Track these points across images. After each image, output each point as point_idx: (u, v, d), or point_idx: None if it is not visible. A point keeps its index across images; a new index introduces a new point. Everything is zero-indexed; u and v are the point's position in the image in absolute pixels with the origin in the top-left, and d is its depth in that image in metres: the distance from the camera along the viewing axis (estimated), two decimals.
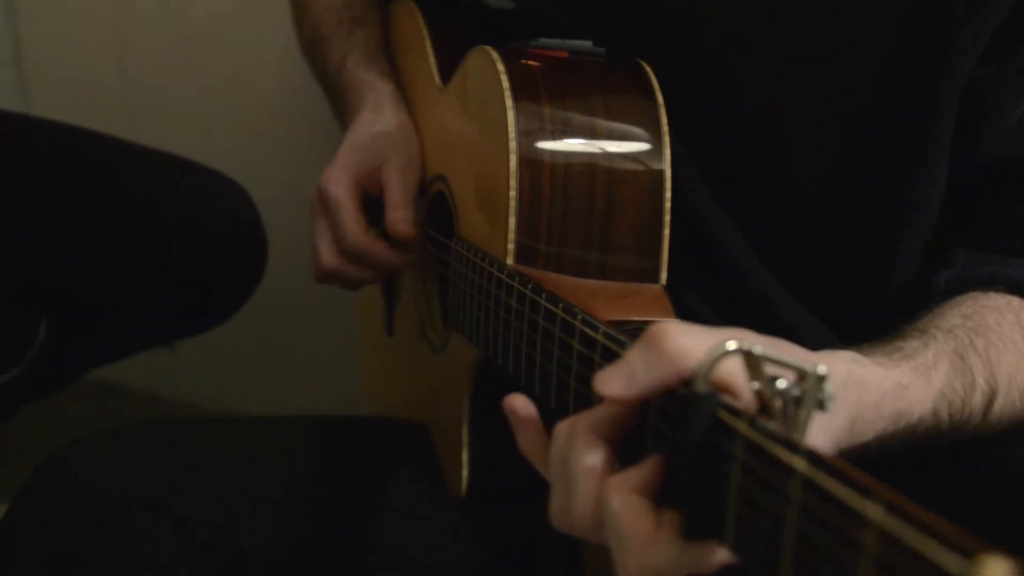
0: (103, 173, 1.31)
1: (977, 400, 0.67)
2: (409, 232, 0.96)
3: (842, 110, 0.81)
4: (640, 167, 0.82)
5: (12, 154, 1.27)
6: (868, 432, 0.59)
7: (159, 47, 1.72)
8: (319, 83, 1.18)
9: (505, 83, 0.81)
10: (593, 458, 0.54)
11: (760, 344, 0.49)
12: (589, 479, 0.54)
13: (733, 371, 0.50)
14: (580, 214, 0.81)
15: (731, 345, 0.49)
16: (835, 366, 0.56)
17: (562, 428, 0.58)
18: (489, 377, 0.89)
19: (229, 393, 1.78)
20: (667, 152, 0.82)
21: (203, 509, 0.81)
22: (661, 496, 0.52)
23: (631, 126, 0.82)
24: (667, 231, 0.82)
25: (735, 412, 0.47)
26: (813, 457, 0.42)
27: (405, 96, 1.05)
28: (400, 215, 0.96)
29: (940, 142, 0.79)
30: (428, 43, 1.03)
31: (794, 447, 0.43)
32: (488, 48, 0.85)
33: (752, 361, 0.49)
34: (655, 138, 0.82)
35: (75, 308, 1.28)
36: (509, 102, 0.80)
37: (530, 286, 0.72)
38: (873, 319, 0.75)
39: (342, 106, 1.08)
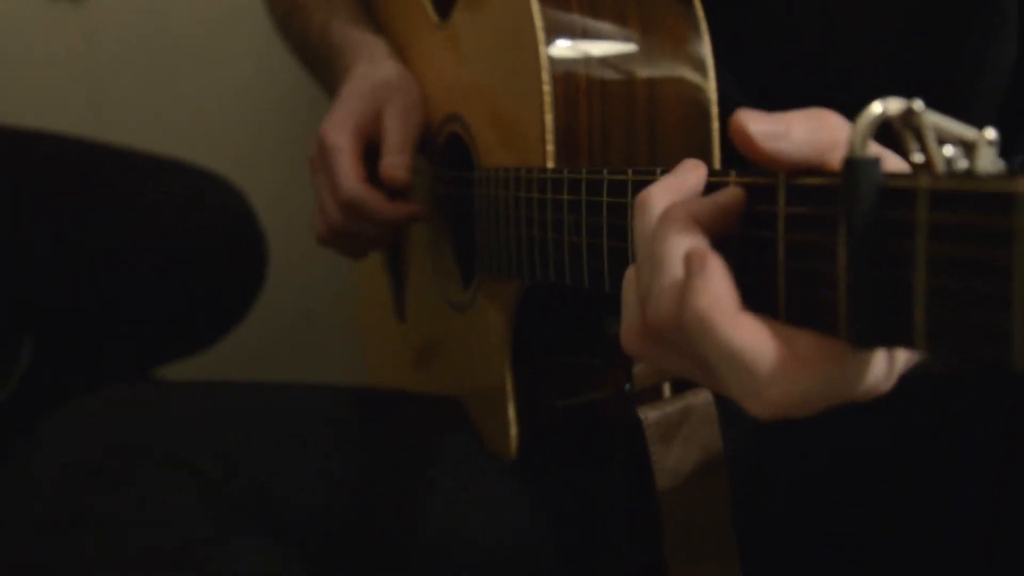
0: (80, 175, 1.21)
1: None
2: (401, 177, 0.86)
3: None
4: (680, 67, 0.74)
5: None
6: None
7: (128, 51, 1.64)
8: (298, 55, 1.11)
9: None
10: (693, 238, 0.45)
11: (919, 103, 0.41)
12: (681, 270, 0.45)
13: (882, 152, 0.42)
14: (621, 113, 0.73)
15: (881, 107, 0.40)
16: None
17: (653, 205, 0.48)
18: (529, 319, 0.80)
19: None
20: (707, 47, 0.74)
21: (226, 463, 0.71)
22: (792, 314, 0.43)
23: (667, 21, 0.75)
24: (716, 124, 0.74)
25: (907, 176, 0.39)
26: None
27: (399, 50, 0.98)
28: (394, 160, 0.86)
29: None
30: None
31: (1008, 173, 0.34)
32: None
33: (914, 124, 0.41)
34: (693, 33, 0.75)
35: (61, 325, 1.16)
36: None
37: (584, 170, 0.64)
38: None
39: (330, 70, 1.00)
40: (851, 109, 0.76)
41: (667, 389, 0.75)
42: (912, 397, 0.54)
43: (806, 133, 0.44)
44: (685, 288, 0.43)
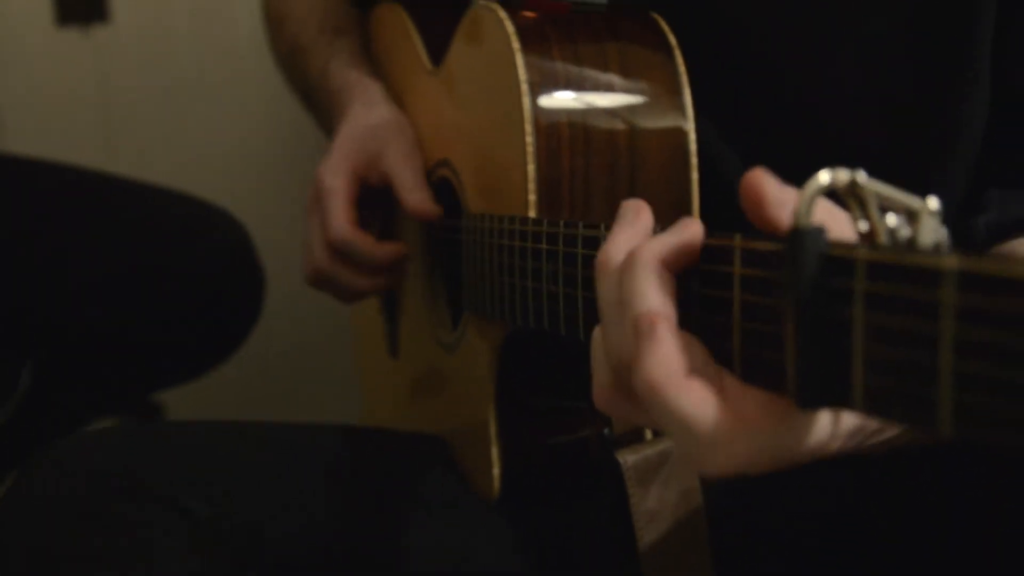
0: (82, 204, 1.24)
1: None
2: (431, 210, 0.89)
3: (878, 33, 0.75)
4: (661, 117, 0.76)
5: None
6: None
7: (136, 79, 1.68)
8: (299, 95, 1.13)
9: (510, 29, 0.75)
10: (659, 298, 0.47)
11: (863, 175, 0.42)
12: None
13: (832, 214, 0.44)
14: (603, 163, 0.75)
15: (827, 177, 0.42)
16: None
17: (613, 262, 0.50)
18: (514, 361, 0.82)
19: None
20: (687, 97, 0.76)
21: (215, 502, 0.72)
22: (746, 371, 0.45)
23: (648, 72, 0.77)
24: (695, 175, 0.76)
25: (847, 245, 0.41)
26: (963, 253, 0.35)
27: (395, 94, 1.00)
28: (419, 195, 0.89)
29: (983, 57, 0.74)
30: (414, 33, 0.99)
31: (936, 250, 0.36)
32: (487, 2, 0.80)
33: (858, 194, 0.42)
34: (674, 84, 0.77)
35: (62, 351, 1.19)
36: (516, 45, 0.74)
37: (562, 222, 0.66)
38: None
39: (328, 111, 1.03)
40: (830, 162, 0.78)
41: (648, 432, 0.76)
42: None
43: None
44: (635, 353, 0.45)
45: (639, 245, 0.48)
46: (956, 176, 0.78)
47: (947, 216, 0.76)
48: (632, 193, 0.75)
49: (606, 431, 0.75)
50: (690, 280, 0.49)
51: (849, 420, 0.45)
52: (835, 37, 0.78)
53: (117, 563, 0.69)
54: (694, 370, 0.45)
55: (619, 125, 0.75)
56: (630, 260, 0.48)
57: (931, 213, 0.43)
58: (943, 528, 0.79)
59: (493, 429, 0.82)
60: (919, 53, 0.76)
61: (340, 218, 0.88)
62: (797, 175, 0.79)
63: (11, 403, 1.17)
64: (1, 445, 1.19)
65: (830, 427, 0.44)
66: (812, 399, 0.42)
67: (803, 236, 0.41)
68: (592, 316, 0.62)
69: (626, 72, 0.76)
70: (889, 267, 0.38)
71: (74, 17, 1.64)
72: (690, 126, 0.76)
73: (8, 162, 1.29)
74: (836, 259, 0.40)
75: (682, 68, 0.77)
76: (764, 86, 0.80)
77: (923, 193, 0.78)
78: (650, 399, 0.44)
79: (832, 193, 0.44)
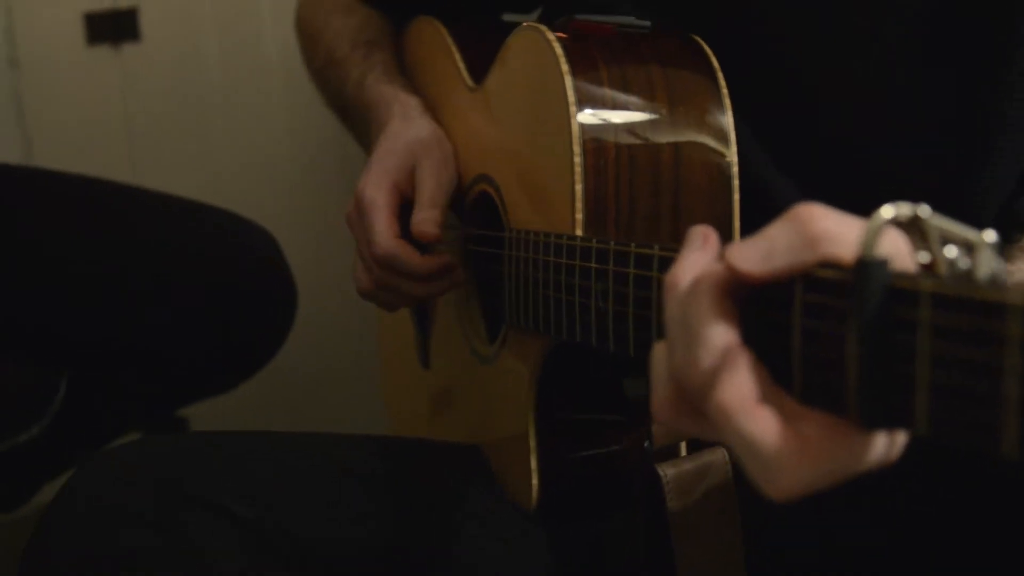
0: (115, 217, 1.26)
1: None
2: (430, 232, 0.90)
3: (919, 47, 0.78)
4: (705, 138, 0.78)
5: (21, 206, 1.22)
6: None
7: (165, 97, 1.70)
8: (333, 107, 1.15)
9: (559, 51, 0.77)
10: (723, 327, 0.48)
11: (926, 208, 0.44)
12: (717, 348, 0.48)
13: (894, 243, 0.45)
14: (647, 182, 0.77)
15: (892, 212, 0.44)
16: None
17: (682, 287, 0.51)
18: (553, 375, 0.84)
19: None
20: (730, 120, 0.78)
21: (263, 509, 0.74)
22: (806, 394, 0.47)
23: (692, 94, 0.79)
24: (736, 196, 0.78)
25: (912, 277, 0.42)
26: None
27: (431, 109, 1.02)
28: (424, 215, 0.90)
29: None
30: (454, 49, 1.00)
31: (993, 280, 0.38)
32: (533, 24, 0.82)
33: (920, 228, 0.44)
34: (717, 106, 0.78)
35: (97, 362, 1.21)
36: (565, 67, 0.76)
37: (612, 241, 0.67)
38: None
39: (365, 124, 1.04)
40: (875, 174, 0.80)
41: (683, 448, 0.78)
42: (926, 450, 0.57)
43: (788, 239, 0.47)
44: (712, 377, 0.47)
45: (704, 272, 0.50)
46: (1004, 177, 0.80)
47: (999, 206, 0.79)
48: (675, 212, 0.77)
49: (646, 444, 0.77)
50: (752, 303, 0.51)
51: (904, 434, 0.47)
52: (871, 54, 0.80)
53: (169, 566, 0.71)
54: (764, 397, 0.47)
55: (663, 146, 0.77)
56: (694, 288, 0.50)
57: (989, 246, 0.44)
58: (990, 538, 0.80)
59: (533, 440, 0.84)
60: (959, 63, 0.78)
61: (384, 233, 0.90)
62: (845, 190, 0.81)
63: (48, 415, 1.19)
64: (37, 456, 1.21)
65: (888, 444, 0.46)
66: (875, 422, 0.44)
67: (869, 268, 0.43)
68: (641, 333, 0.64)
69: (670, 94, 0.78)
70: (954, 299, 0.40)
71: (105, 36, 1.66)
72: (732, 148, 0.77)
73: (39, 176, 1.31)
74: (901, 290, 0.42)
75: (724, 90, 0.78)
76: (807, 105, 0.82)
77: (973, 196, 0.80)
78: (722, 422, 0.46)
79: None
